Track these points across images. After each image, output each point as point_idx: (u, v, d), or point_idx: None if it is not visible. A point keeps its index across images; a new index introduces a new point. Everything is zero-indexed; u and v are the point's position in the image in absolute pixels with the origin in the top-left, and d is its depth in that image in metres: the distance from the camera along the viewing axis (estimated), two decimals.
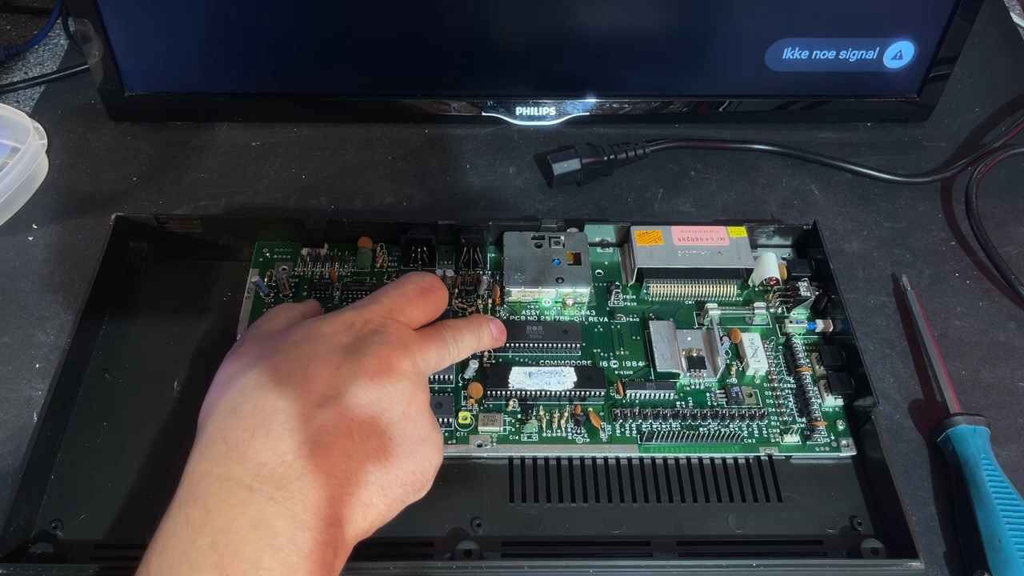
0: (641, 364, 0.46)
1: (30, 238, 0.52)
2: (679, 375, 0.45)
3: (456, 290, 0.48)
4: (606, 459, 0.42)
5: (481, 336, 0.41)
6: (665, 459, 0.43)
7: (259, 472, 0.31)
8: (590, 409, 0.43)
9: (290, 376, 0.33)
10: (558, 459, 0.42)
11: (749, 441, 0.43)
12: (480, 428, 0.43)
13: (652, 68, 0.57)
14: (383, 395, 0.34)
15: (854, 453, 0.43)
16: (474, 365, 0.45)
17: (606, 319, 0.48)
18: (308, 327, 0.36)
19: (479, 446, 0.42)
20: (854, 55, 0.56)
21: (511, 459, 0.42)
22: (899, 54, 0.56)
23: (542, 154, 0.58)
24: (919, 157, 0.59)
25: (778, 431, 0.43)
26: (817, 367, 0.46)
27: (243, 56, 0.55)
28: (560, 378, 0.44)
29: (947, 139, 0.60)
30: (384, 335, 0.36)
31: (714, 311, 0.48)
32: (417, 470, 0.35)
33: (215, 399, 0.34)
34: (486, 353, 0.46)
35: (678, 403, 0.44)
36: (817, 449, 0.43)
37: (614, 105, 0.58)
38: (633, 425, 0.43)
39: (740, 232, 0.49)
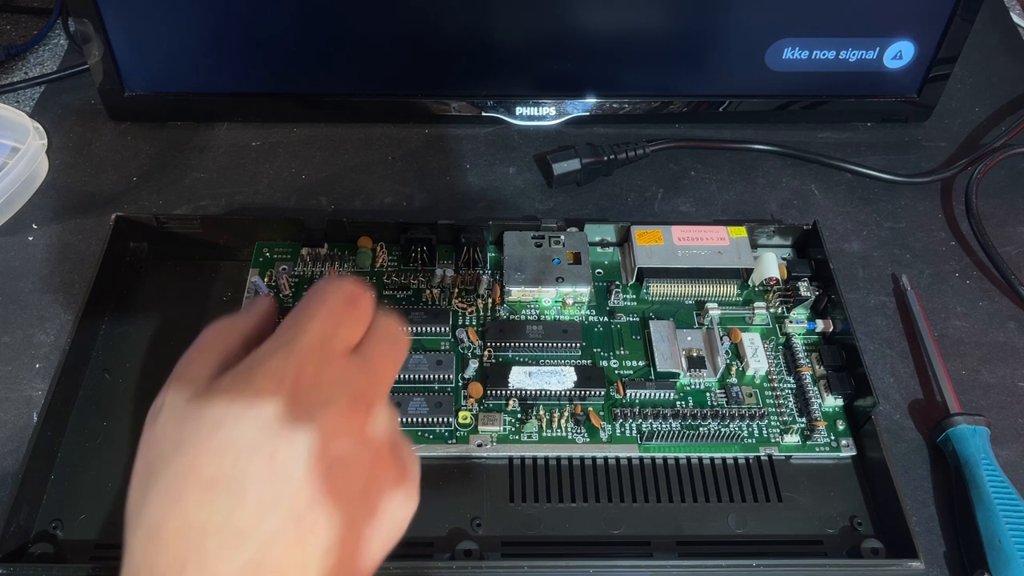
0: (641, 364, 0.46)
1: (30, 238, 0.52)
2: (679, 375, 0.45)
3: (456, 290, 0.48)
4: (606, 459, 0.42)
5: (398, 344, 0.32)
6: (665, 459, 0.43)
7: None
8: (590, 409, 0.43)
9: (215, 480, 0.26)
10: (558, 459, 0.42)
11: (749, 441, 0.43)
12: (480, 428, 0.43)
13: (652, 68, 0.57)
14: (333, 484, 0.26)
15: (854, 453, 0.43)
16: (474, 364, 0.45)
17: (606, 319, 0.48)
18: (229, 394, 0.27)
19: (479, 446, 0.42)
20: (854, 55, 0.56)
21: (511, 459, 0.42)
22: (899, 54, 0.56)
23: (542, 154, 0.58)
24: (919, 157, 0.59)
25: (778, 431, 0.43)
26: (817, 367, 0.46)
27: (243, 56, 0.55)
28: (560, 378, 0.44)
29: (947, 139, 0.60)
30: (325, 392, 0.27)
31: (714, 311, 0.48)
32: (382, 551, 0.28)
33: (135, 502, 0.27)
34: (486, 353, 0.46)
35: (678, 403, 0.44)
36: (817, 449, 0.43)
37: (614, 105, 0.58)
38: (633, 425, 0.43)
39: (740, 232, 0.49)
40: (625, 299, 0.49)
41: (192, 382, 0.28)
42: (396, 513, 0.29)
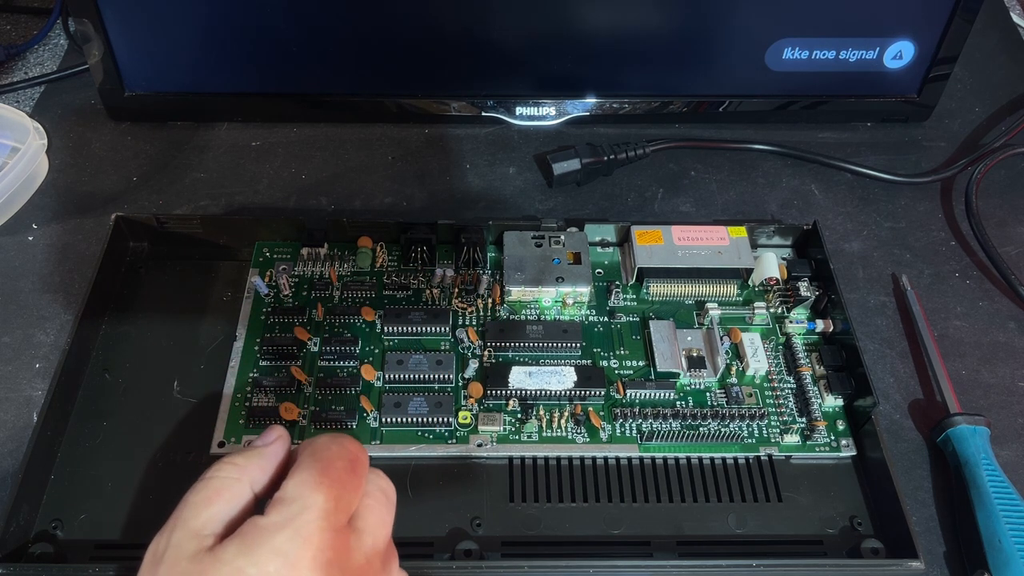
0: (641, 364, 0.46)
1: (30, 238, 0.52)
2: (679, 375, 0.45)
3: (456, 290, 0.48)
4: (606, 459, 0.42)
5: (391, 507, 0.32)
6: (665, 459, 0.43)
7: None
8: (590, 409, 0.43)
9: None
10: (558, 459, 0.42)
11: (749, 441, 0.43)
12: (480, 428, 0.43)
13: (652, 68, 0.57)
14: None
15: (854, 453, 0.43)
16: (474, 364, 0.45)
17: (606, 319, 0.48)
18: (233, 567, 0.26)
19: (479, 446, 0.42)
20: (854, 55, 0.56)
21: (511, 459, 0.42)
22: (899, 54, 0.56)
23: (542, 154, 0.58)
24: (919, 157, 0.59)
25: (778, 431, 0.43)
26: (817, 367, 0.46)
27: (243, 56, 0.55)
28: (560, 378, 0.44)
29: (947, 139, 0.60)
30: (296, 571, 0.27)
31: (714, 311, 0.48)
32: None
33: None
34: (486, 353, 0.46)
35: (678, 403, 0.44)
36: (817, 449, 0.43)
37: (614, 105, 0.58)
38: (633, 425, 0.43)
39: (740, 232, 0.49)
40: (625, 299, 0.49)
41: (197, 535, 0.28)
42: None
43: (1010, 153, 0.57)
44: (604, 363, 0.46)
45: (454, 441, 0.43)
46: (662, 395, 0.44)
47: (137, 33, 0.54)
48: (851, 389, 0.44)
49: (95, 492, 0.41)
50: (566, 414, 0.43)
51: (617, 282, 0.49)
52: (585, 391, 0.43)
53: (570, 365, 0.44)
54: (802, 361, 0.46)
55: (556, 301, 0.48)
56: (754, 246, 0.51)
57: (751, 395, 0.44)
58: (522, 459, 0.42)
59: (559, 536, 0.40)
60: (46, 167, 0.56)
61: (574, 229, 0.50)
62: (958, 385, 0.46)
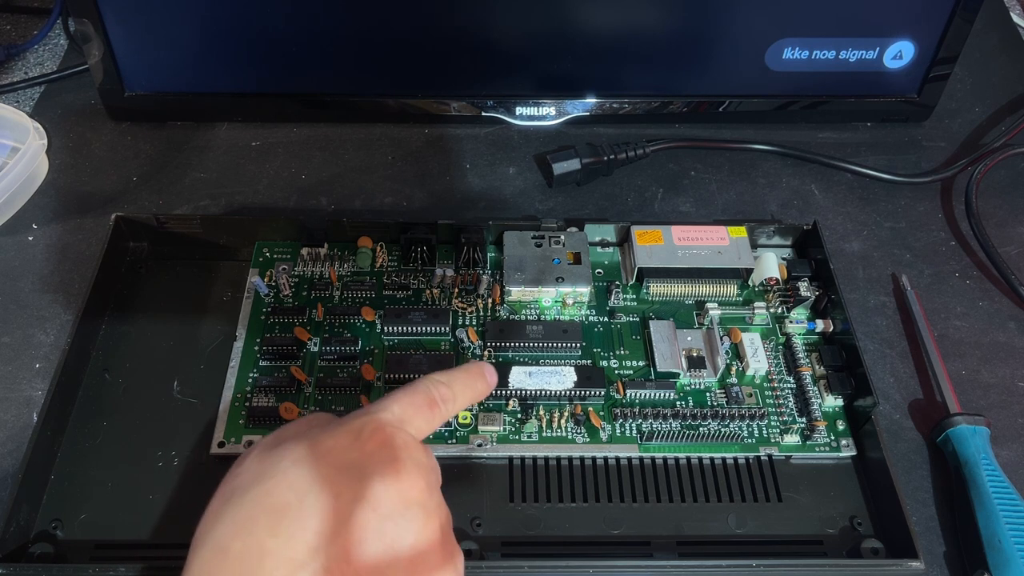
0: (641, 364, 0.46)
1: (30, 238, 0.52)
2: (679, 375, 0.45)
3: (456, 290, 0.48)
4: (606, 459, 0.42)
5: (476, 388, 0.37)
6: (665, 459, 0.43)
7: None
8: (590, 409, 0.43)
9: (284, 508, 0.29)
10: (558, 459, 0.42)
11: (749, 441, 0.43)
12: (480, 428, 0.43)
13: (652, 68, 0.57)
14: (388, 528, 0.29)
15: (854, 453, 0.43)
16: (472, 361, 0.45)
17: (606, 319, 0.48)
18: (312, 442, 0.31)
19: (479, 446, 0.42)
20: (854, 55, 0.56)
21: (511, 459, 0.42)
22: (899, 54, 0.56)
23: (542, 154, 0.58)
24: (919, 157, 0.59)
25: (778, 431, 0.43)
26: (817, 367, 0.46)
27: (243, 56, 0.55)
28: (560, 378, 0.44)
29: (947, 139, 0.60)
30: (391, 451, 0.31)
31: (714, 311, 0.48)
32: None
33: (208, 525, 0.30)
34: (486, 353, 0.46)
35: (678, 403, 0.44)
36: (817, 449, 0.43)
37: (614, 105, 0.58)
38: (633, 425, 0.43)
39: (740, 232, 0.49)
40: (625, 299, 0.49)
41: (280, 434, 0.33)
42: None
43: (1010, 153, 0.57)
44: (604, 363, 0.46)
45: (454, 441, 0.43)
46: (662, 395, 0.44)
47: (137, 33, 0.54)
48: (851, 389, 0.44)
49: (95, 492, 0.41)
50: (566, 414, 0.43)
51: (617, 282, 0.49)
52: (585, 391, 0.43)
53: (570, 365, 0.44)
54: (802, 361, 0.46)
55: (556, 301, 0.48)
56: (754, 246, 0.51)
57: (751, 395, 0.44)
58: (522, 459, 0.42)
59: (559, 536, 0.40)
60: (46, 167, 0.56)
61: (574, 229, 0.50)
62: (958, 385, 0.46)
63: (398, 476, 0.30)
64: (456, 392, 0.36)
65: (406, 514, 0.30)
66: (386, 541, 0.29)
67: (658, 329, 0.46)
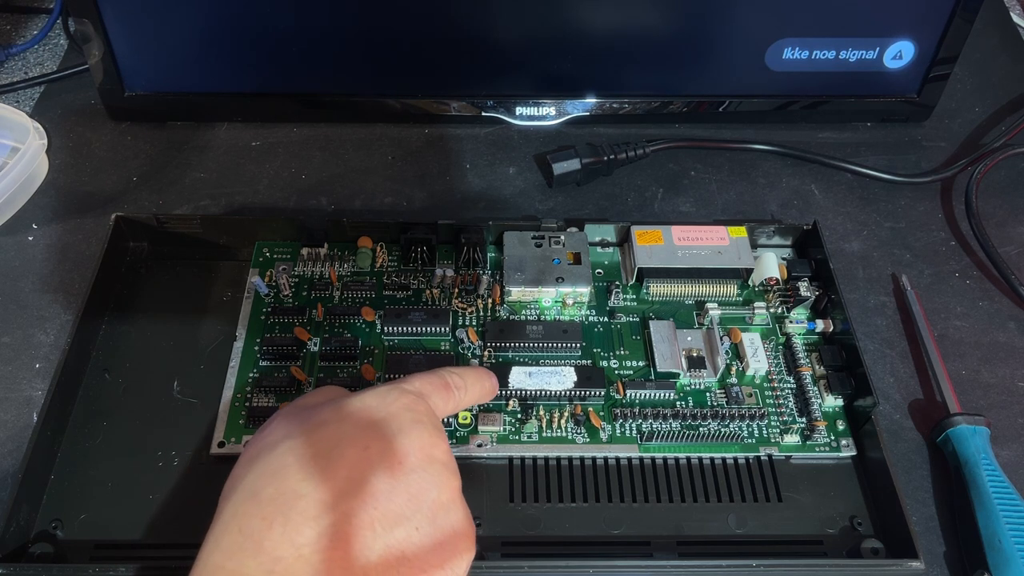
0: (641, 364, 0.46)
1: (30, 238, 0.52)
2: (679, 375, 0.45)
3: (456, 290, 0.48)
4: (606, 459, 0.42)
5: (484, 386, 0.40)
6: (665, 459, 0.43)
7: (273, 569, 0.29)
8: (590, 409, 0.43)
9: (315, 458, 0.31)
10: (558, 459, 0.42)
11: (749, 441, 0.43)
12: (480, 428, 0.43)
13: (652, 68, 0.57)
14: (412, 480, 0.31)
15: (854, 453, 0.43)
16: (474, 364, 0.45)
17: (606, 319, 0.48)
18: (338, 404, 0.34)
19: (479, 446, 0.42)
20: (854, 55, 0.56)
21: (511, 459, 0.42)
22: (899, 54, 0.56)
23: (542, 154, 0.58)
24: (919, 157, 0.59)
25: (778, 431, 0.43)
26: (817, 367, 0.46)
27: (243, 56, 0.55)
28: (560, 378, 0.44)
29: (947, 139, 0.60)
30: (416, 413, 0.34)
31: (714, 311, 0.48)
32: (447, 564, 0.31)
33: (236, 479, 0.32)
34: (486, 353, 0.46)
35: (678, 403, 0.44)
36: (817, 449, 0.43)
37: (614, 105, 0.58)
38: (633, 425, 0.43)
39: (740, 232, 0.49)
40: (625, 299, 0.49)
41: (305, 404, 0.36)
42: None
43: (1010, 153, 0.57)
44: (604, 363, 0.46)
45: (454, 441, 0.43)
46: (662, 395, 0.44)
47: (137, 33, 0.54)
48: (851, 389, 0.44)
49: (95, 492, 0.41)
50: (566, 414, 0.43)
51: (617, 282, 0.49)
52: (585, 391, 0.43)
53: (570, 365, 0.44)
54: (802, 361, 0.46)
55: (556, 301, 0.48)
56: (754, 246, 0.51)
57: (751, 395, 0.44)
58: (522, 459, 0.42)
59: (559, 536, 0.40)
60: (46, 167, 0.56)
61: (574, 229, 0.50)
62: (958, 385, 0.46)
63: (422, 434, 0.33)
64: (468, 383, 0.38)
65: (429, 468, 0.32)
66: (411, 491, 0.31)
67: (658, 329, 0.46)
